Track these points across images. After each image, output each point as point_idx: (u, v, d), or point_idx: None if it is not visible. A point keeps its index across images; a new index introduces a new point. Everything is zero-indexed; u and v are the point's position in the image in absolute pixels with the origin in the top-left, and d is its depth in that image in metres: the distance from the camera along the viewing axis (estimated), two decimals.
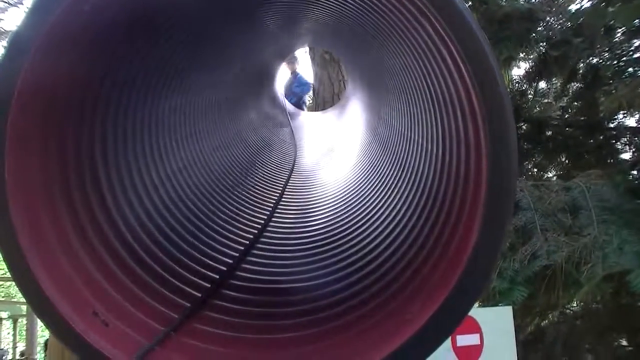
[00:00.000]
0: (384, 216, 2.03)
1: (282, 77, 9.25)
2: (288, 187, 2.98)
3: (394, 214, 1.98)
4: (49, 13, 1.15)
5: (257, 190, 2.79)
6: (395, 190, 2.12)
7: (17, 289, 1.24)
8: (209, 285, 1.71)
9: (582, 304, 5.12)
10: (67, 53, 1.28)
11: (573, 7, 5.38)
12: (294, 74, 9.18)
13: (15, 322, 11.07)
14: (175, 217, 1.94)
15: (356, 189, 2.55)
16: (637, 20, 4.40)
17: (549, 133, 5.65)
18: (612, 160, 5.46)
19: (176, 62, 2.18)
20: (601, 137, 5.60)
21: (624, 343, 5.41)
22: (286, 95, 8.90)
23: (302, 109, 8.66)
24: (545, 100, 6.02)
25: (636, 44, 5.24)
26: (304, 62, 9.31)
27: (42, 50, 1.16)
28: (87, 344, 1.17)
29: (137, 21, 1.63)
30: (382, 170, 2.52)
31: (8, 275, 1.31)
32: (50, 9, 1.15)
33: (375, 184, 2.44)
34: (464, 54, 1.14)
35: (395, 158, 2.40)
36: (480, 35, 1.12)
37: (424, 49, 1.55)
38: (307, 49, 8.58)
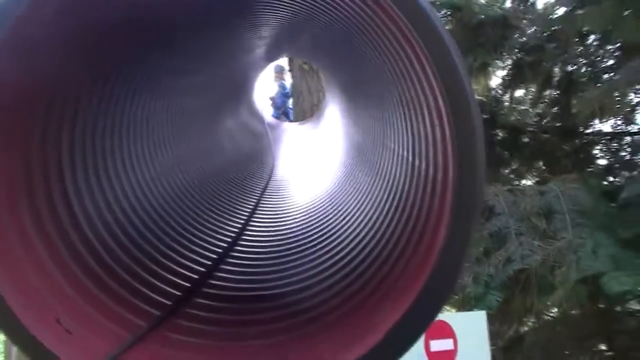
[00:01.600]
0: (357, 222, 2.04)
1: (269, 87, 9.36)
2: (265, 195, 2.97)
3: (367, 219, 1.98)
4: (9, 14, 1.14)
5: (233, 199, 2.78)
6: (369, 196, 2.12)
7: None
8: (180, 294, 1.69)
9: (561, 309, 5.16)
10: (31, 54, 1.26)
11: (547, 13, 5.45)
12: (281, 83, 9.21)
13: None
14: (145, 224, 1.92)
15: (332, 196, 2.56)
16: (608, 26, 4.47)
17: (526, 140, 5.71)
18: (589, 167, 5.52)
19: (150, 65, 2.17)
20: (577, 143, 5.66)
21: (604, 347, 5.45)
22: (274, 105, 8.97)
23: (287, 119, 8.67)
24: (522, 107, 6.08)
25: (610, 50, 5.32)
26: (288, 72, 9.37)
27: (4, 51, 1.14)
28: (48, 351, 1.14)
29: (108, 21, 1.62)
30: (358, 177, 2.53)
31: None
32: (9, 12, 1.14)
33: (350, 191, 2.44)
34: (431, 58, 1.15)
35: (370, 165, 2.41)
36: (445, 36, 1.13)
37: (394, 56, 1.56)
38: (286, 60, 8.59)
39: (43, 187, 1.46)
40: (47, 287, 1.30)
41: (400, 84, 1.66)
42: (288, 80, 9.21)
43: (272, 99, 9.35)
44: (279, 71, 9.20)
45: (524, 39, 5.29)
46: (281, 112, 8.98)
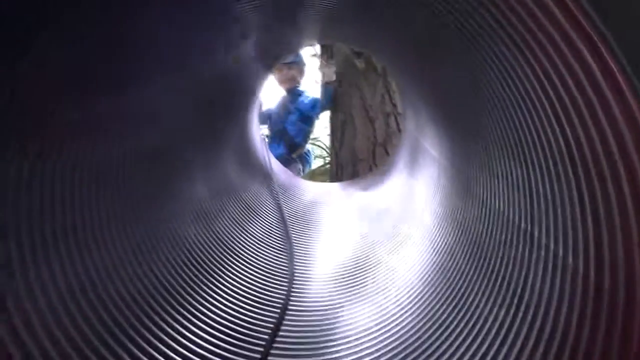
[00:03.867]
0: (461, 338, 2.32)
1: (269, 101, 9.21)
2: (277, 342, 3.15)
3: (478, 339, 2.26)
4: None
5: (217, 348, 3.01)
6: (488, 324, 2.29)
7: None
8: None
9: None
10: None
11: None
12: (292, 94, 8.90)
13: None
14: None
15: (413, 327, 2.74)
16: None
17: None
18: None
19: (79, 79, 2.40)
20: None
21: None
22: (272, 138, 8.60)
23: (303, 166, 8.54)
24: None
25: None
26: (311, 71, 9.17)
27: None
28: None
29: None
30: (464, 286, 2.76)
31: None
32: None
33: (449, 313, 2.69)
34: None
35: (488, 264, 2.62)
36: None
37: (553, 72, 1.75)
38: (316, 48, 8.62)
39: None
40: None
41: (564, 129, 1.82)
42: (308, 84, 9.22)
43: (269, 119, 9.10)
44: (290, 67, 8.90)
45: None
46: (292, 150, 8.77)
